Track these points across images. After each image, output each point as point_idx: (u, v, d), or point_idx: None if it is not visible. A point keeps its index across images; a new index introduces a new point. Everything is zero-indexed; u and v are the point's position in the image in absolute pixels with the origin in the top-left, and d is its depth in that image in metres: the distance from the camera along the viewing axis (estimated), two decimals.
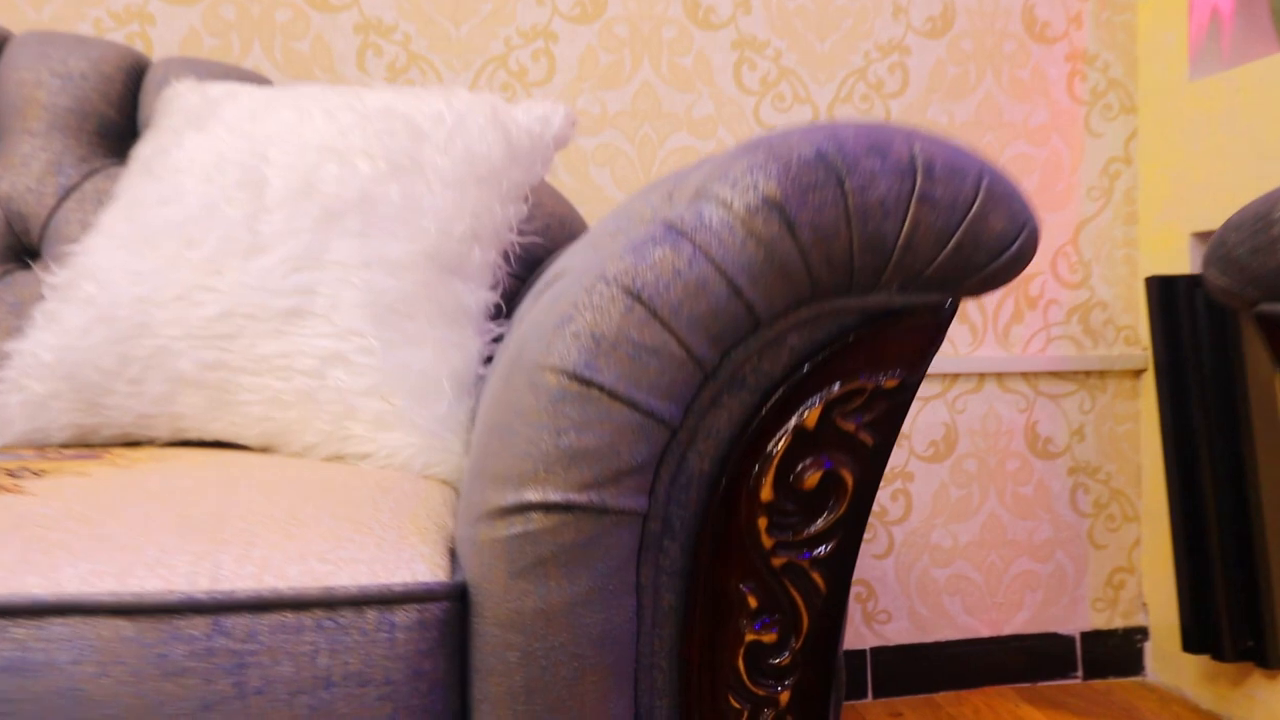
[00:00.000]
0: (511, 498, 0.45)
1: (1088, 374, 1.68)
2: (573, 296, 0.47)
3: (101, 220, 0.90)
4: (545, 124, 0.99)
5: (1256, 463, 1.45)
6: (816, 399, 0.48)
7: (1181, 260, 1.58)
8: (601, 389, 0.44)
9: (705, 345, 0.46)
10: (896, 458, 1.62)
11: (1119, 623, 1.69)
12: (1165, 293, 1.53)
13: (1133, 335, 1.70)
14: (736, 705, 0.48)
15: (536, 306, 0.51)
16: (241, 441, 0.84)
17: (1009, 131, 1.67)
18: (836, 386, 0.48)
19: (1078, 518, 1.68)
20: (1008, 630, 1.65)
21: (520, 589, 0.45)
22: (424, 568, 0.47)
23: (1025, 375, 1.66)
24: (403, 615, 0.45)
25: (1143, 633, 1.69)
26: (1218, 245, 0.67)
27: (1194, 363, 1.50)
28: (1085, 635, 1.68)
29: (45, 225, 1.08)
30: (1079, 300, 1.68)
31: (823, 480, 0.48)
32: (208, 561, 0.45)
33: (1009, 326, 1.66)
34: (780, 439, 0.48)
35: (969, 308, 1.64)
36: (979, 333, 1.64)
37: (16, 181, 1.09)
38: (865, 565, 1.62)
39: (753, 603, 0.48)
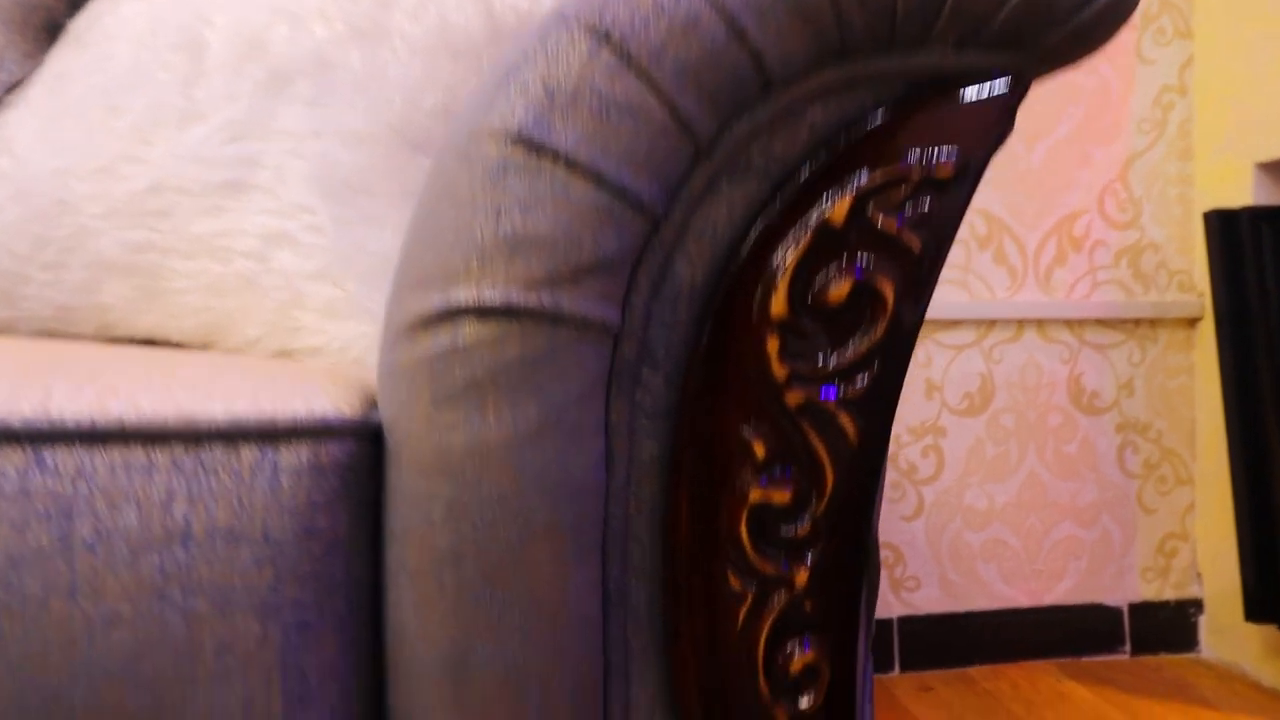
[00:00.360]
0: (437, 301, 0.34)
1: (1137, 322, 1.55)
2: (521, 44, 0.35)
3: (23, 95, 0.80)
4: (535, 2, 0.87)
5: None
6: (845, 187, 0.36)
7: (1244, 194, 1.44)
8: (556, 156, 0.33)
9: (697, 106, 0.34)
10: (926, 410, 1.49)
11: (1170, 594, 1.55)
12: (1226, 228, 1.39)
13: (1187, 281, 1.56)
14: (738, 586, 0.36)
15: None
16: (176, 338, 0.73)
17: None
18: (873, 173, 0.36)
19: (1126, 479, 1.55)
20: (1048, 600, 1.52)
21: (447, 421, 0.34)
22: (325, 402, 0.36)
23: (1069, 323, 1.53)
24: (290, 455, 0.34)
25: (1197, 605, 1.55)
26: None
27: (1259, 306, 1.37)
28: (1133, 607, 1.54)
29: None
30: (1128, 242, 1.54)
31: (853, 293, 0.36)
32: (36, 388, 0.34)
33: (1051, 269, 1.52)
34: (797, 237, 0.36)
35: (1007, 247, 1.51)
36: (1018, 275, 1.51)
37: None
38: (892, 528, 1.50)
39: (760, 451, 0.36)
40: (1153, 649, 1.54)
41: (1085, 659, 1.52)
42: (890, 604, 1.49)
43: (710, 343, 0.36)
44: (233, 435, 0.34)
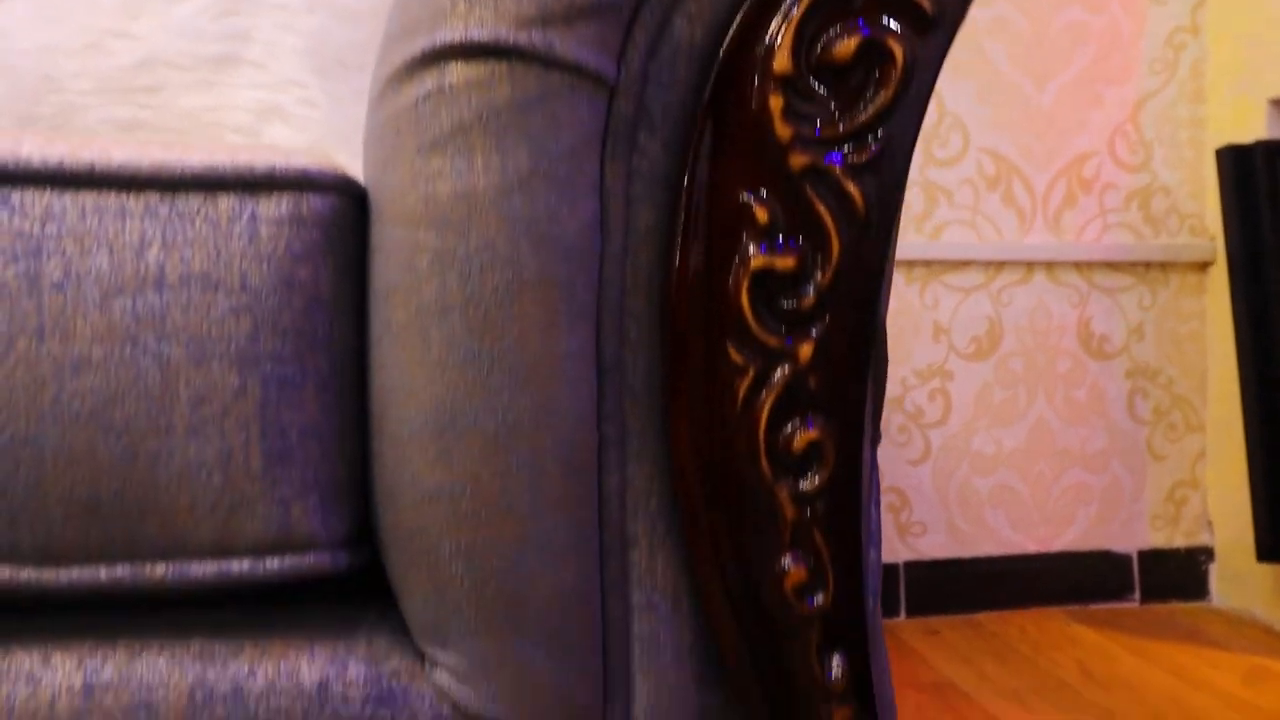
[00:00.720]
0: (422, 44, 0.32)
1: (1148, 266, 1.52)
2: None
3: None
4: None
5: None
6: None
7: (1258, 131, 1.41)
8: None
9: None
10: (934, 354, 1.47)
11: (1181, 542, 1.53)
12: (1239, 164, 1.37)
13: (1198, 224, 1.54)
14: (739, 359, 0.35)
15: None
16: None
17: None
18: None
19: (1135, 425, 1.53)
20: (1057, 547, 1.50)
21: (433, 169, 0.32)
22: (309, 161, 0.34)
23: (1078, 266, 1.50)
24: (269, 205, 0.32)
25: (1207, 553, 1.53)
26: None
27: (1273, 242, 1.34)
28: (1143, 554, 1.52)
29: None
30: (1139, 185, 1.52)
31: (861, 51, 0.35)
32: (6, 140, 0.32)
33: (1060, 212, 1.50)
34: None
35: (1015, 188, 1.48)
36: (1026, 217, 1.49)
37: None
38: (899, 472, 1.48)
39: (762, 216, 0.34)
40: (1162, 597, 1.52)
41: (1094, 606, 1.50)
42: (897, 549, 1.47)
43: (710, 104, 0.35)
44: (210, 183, 0.32)
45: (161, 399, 0.31)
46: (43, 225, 0.31)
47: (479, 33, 0.32)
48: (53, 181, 0.31)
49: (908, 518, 1.47)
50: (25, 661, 0.31)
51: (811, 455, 0.35)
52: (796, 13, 0.34)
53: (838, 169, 0.35)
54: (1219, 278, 1.51)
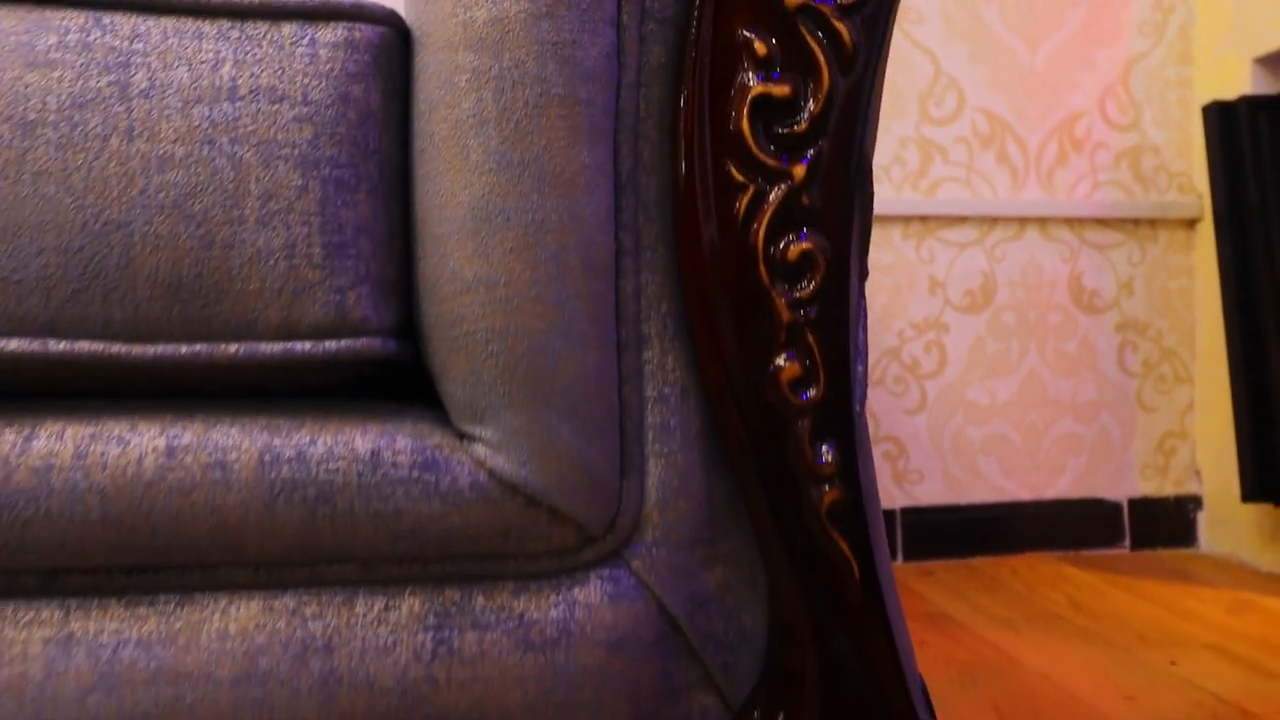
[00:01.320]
0: None
1: (1137, 223, 1.57)
2: None
3: None
4: None
5: None
6: None
7: (1242, 88, 1.46)
8: None
9: None
10: (930, 307, 1.52)
11: (1170, 490, 1.58)
12: (1224, 120, 1.41)
13: (1186, 183, 1.58)
14: (740, 178, 0.39)
15: None
16: None
17: None
18: None
19: (1125, 378, 1.57)
20: (1049, 495, 1.55)
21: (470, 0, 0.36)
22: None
23: (1069, 222, 1.55)
24: (327, 31, 0.37)
25: (1196, 501, 1.58)
26: None
27: (1257, 197, 1.39)
28: (1133, 502, 1.56)
29: None
30: (1128, 144, 1.57)
31: None
32: None
33: (1052, 170, 1.55)
34: None
35: (1009, 146, 1.53)
36: (1019, 175, 1.54)
37: None
38: (895, 421, 1.52)
39: (760, 49, 0.39)
40: (1152, 544, 1.56)
41: (1085, 552, 1.54)
42: (893, 495, 1.51)
43: None
44: (274, 12, 0.37)
45: (235, 193, 0.35)
46: (130, 43, 0.35)
47: None
48: (139, 7, 0.36)
49: (904, 466, 1.52)
50: (115, 428, 0.36)
51: (804, 264, 0.40)
52: None
53: (828, 9, 0.39)
54: (1206, 234, 1.55)
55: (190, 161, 0.35)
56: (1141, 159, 1.57)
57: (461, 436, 0.38)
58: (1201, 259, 1.56)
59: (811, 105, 0.39)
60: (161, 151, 0.35)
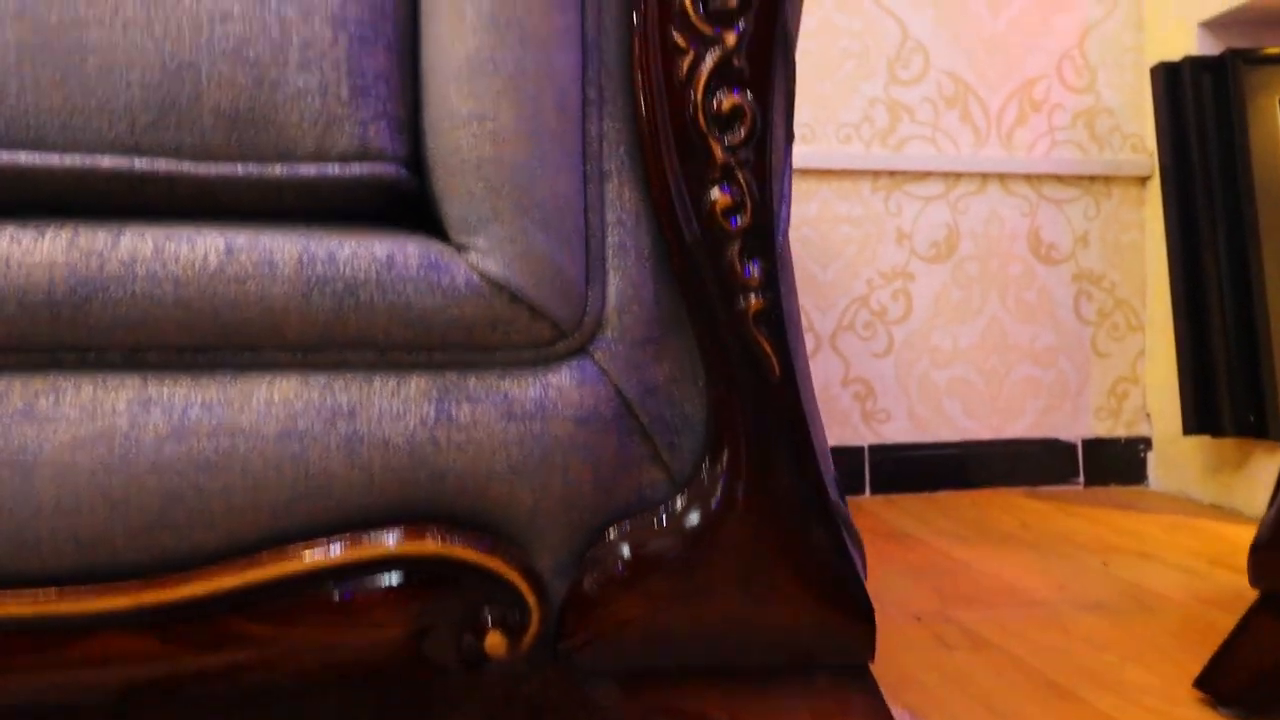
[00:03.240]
0: None
1: (1092, 179, 1.67)
2: None
3: None
4: None
5: (1260, 245, 1.43)
6: None
7: (1189, 51, 1.56)
8: None
9: None
10: (897, 257, 1.62)
11: (1121, 432, 1.68)
12: (1170, 79, 1.51)
13: (1139, 143, 1.68)
14: (682, 42, 0.48)
15: None
16: None
17: None
18: None
19: (1081, 325, 1.67)
20: (1008, 434, 1.65)
21: None
22: None
23: (1028, 178, 1.65)
24: None
25: (1146, 443, 1.68)
26: None
27: (1199, 153, 1.48)
28: (1087, 442, 1.67)
29: None
30: (1084, 105, 1.66)
31: None
32: None
33: (1012, 130, 1.64)
34: None
35: (971, 107, 1.63)
36: (981, 134, 1.63)
37: None
38: (864, 364, 1.62)
39: None
40: (1104, 481, 1.66)
41: (1042, 488, 1.64)
42: (861, 433, 1.61)
43: None
44: None
45: (280, 43, 0.44)
46: None
47: None
48: None
49: (872, 406, 1.61)
50: (185, 231, 0.45)
51: (735, 115, 0.49)
52: None
53: None
54: (1157, 191, 1.65)
55: (246, 16, 0.44)
56: (1096, 120, 1.67)
57: (459, 248, 0.47)
58: (1152, 214, 1.66)
59: None
60: (224, 8, 0.44)
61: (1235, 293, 1.45)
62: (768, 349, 0.49)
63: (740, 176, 0.49)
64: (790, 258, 0.52)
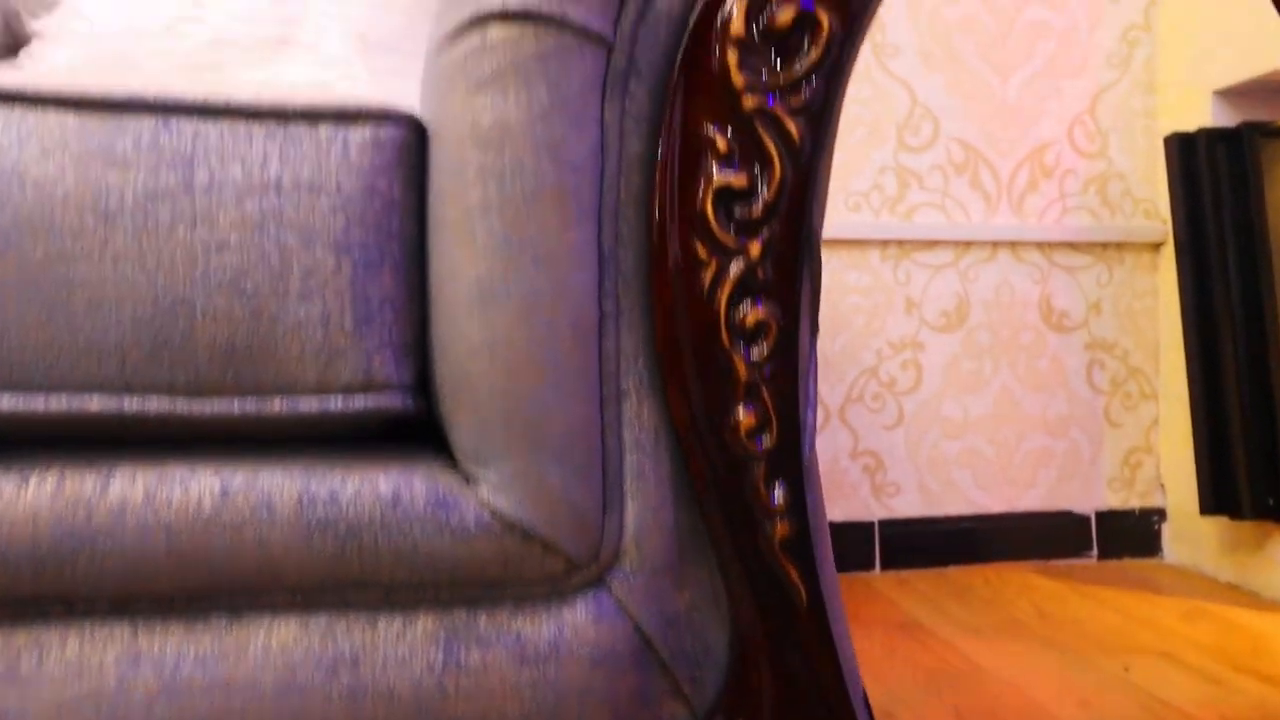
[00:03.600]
0: (470, 10, 0.43)
1: (1104, 246, 1.64)
2: None
3: None
4: None
5: (1278, 319, 1.40)
6: None
7: (1203, 120, 1.53)
8: None
9: None
10: (906, 326, 1.59)
11: (1135, 503, 1.65)
12: (1185, 150, 1.49)
13: (1151, 208, 1.65)
14: (704, 254, 0.46)
15: None
16: None
17: None
18: None
19: (1094, 394, 1.64)
20: (1020, 507, 1.62)
21: (478, 103, 0.43)
22: (381, 101, 0.45)
23: (1040, 245, 1.62)
24: (357, 132, 0.43)
25: (1160, 514, 1.65)
26: None
27: (1214, 224, 1.46)
28: (1100, 514, 1.64)
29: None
30: (1096, 171, 1.64)
31: (797, 20, 0.46)
32: (156, 83, 0.43)
33: (1024, 196, 1.62)
34: None
35: (981, 174, 1.60)
36: (993, 200, 1.61)
37: None
38: (874, 436, 1.59)
39: (722, 145, 0.45)
40: (1118, 554, 1.63)
41: (1054, 562, 1.61)
42: (871, 508, 1.58)
43: (684, 59, 0.46)
44: (313, 116, 0.43)
45: (280, 273, 0.42)
46: (193, 143, 0.42)
47: (513, 2, 0.43)
48: (199, 112, 0.42)
49: (882, 479, 1.59)
50: (178, 472, 0.42)
51: (760, 329, 0.46)
52: None
53: (779, 109, 0.46)
54: (1170, 257, 1.63)
55: (243, 246, 0.41)
56: (1108, 185, 1.64)
57: (467, 479, 0.44)
58: (1165, 281, 1.64)
59: (765, 192, 0.46)
60: (219, 237, 0.41)
61: (1252, 368, 1.42)
62: (795, 577, 0.46)
63: (765, 394, 0.46)
64: (817, 467, 0.50)
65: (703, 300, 0.46)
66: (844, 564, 1.59)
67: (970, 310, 1.61)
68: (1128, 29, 1.65)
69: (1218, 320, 1.46)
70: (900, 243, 1.58)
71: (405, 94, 0.80)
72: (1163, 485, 1.65)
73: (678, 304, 0.46)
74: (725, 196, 0.46)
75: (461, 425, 0.44)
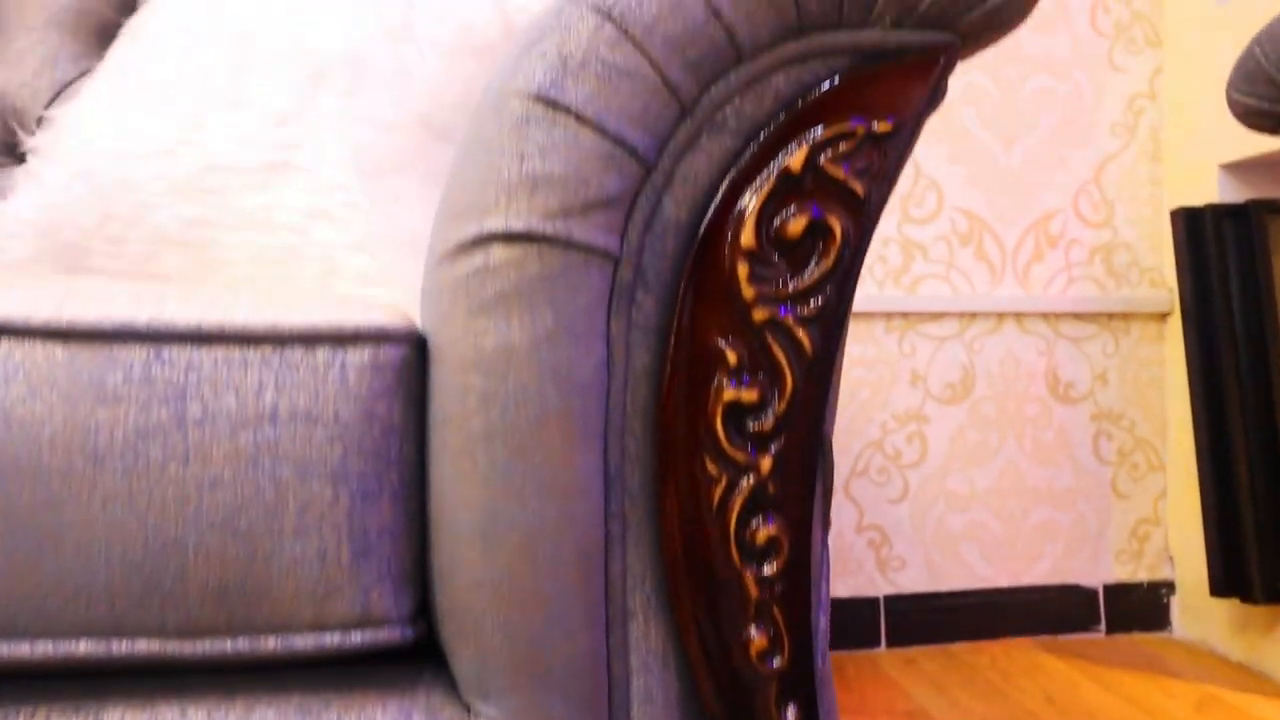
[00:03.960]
0: (472, 230, 0.42)
1: (1110, 316, 1.63)
2: (540, 23, 0.44)
3: (85, 86, 0.88)
4: (545, 2, 0.96)
5: None
6: (803, 139, 0.44)
7: (1209, 193, 1.52)
8: (568, 111, 0.41)
9: (681, 72, 0.43)
10: (911, 399, 1.57)
11: (1144, 576, 1.63)
12: (1192, 225, 1.48)
13: (1158, 277, 1.64)
14: (714, 471, 0.44)
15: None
16: None
17: (1029, 65, 1.62)
18: (822, 130, 0.45)
19: (1100, 466, 1.63)
20: (1027, 581, 1.60)
21: (480, 326, 0.42)
22: (380, 315, 0.44)
23: (1045, 316, 1.61)
24: (355, 355, 0.42)
25: (1169, 586, 1.63)
26: (1245, 60, 0.63)
27: (1222, 299, 1.45)
28: (1108, 588, 1.62)
29: (39, 121, 1.07)
30: (1101, 240, 1.63)
31: (809, 228, 0.44)
32: (150, 300, 0.42)
33: (1029, 266, 1.61)
34: (763, 182, 0.44)
35: (986, 244, 1.59)
36: (997, 271, 1.60)
37: (12, 76, 1.08)
38: (879, 510, 1.57)
39: (732, 359, 0.44)
40: (1126, 628, 1.61)
41: (1062, 637, 1.59)
42: (877, 583, 1.56)
43: (692, 269, 0.45)
44: (310, 338, 0.42)
45: (275, 509, 0.40)
46: (186, 374, 0.40)
47: (516, 224, 0.41)
48: (193, 339, 0.41)
49: (888, 553, 1.57)
50: (168, 713, 0.40)
51: (771, 547, 0.45)
52: (759, 199, 0.44)
53: (790, 320, 0.45)
54: (1177, 327, 1.61)
55: (237, 482, 0.40)
56: (1114, 254, 1.63)
57: (469, 709, 0.43)
58: (1172, 351, 1.62)
59: (776, 405, 0.45)
60: (212, 474, 0.40)
61: (1262, 445, 1.40)
62: None
63: (776, 612, 0.45)
64: (830, 679, 0.48)
65: (712, 517, 0.44)
66: (850, 640, 1.57)
67: (975, 382, 1.59)
68: (1133, 98, 1.64)
69: (1225, 394, 1.45)
70: (905, 315, 1.57)
71: (407, 221, 0.80)
72: (1171, 557, 1.63)
73: (685, 523, 0.44)
74: (735, 411, 0.44)
75: (463, 655, 0.43)
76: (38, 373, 0.39)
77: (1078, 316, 1.62)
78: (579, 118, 0.41)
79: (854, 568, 1.56)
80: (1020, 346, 1.61)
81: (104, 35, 1.13)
